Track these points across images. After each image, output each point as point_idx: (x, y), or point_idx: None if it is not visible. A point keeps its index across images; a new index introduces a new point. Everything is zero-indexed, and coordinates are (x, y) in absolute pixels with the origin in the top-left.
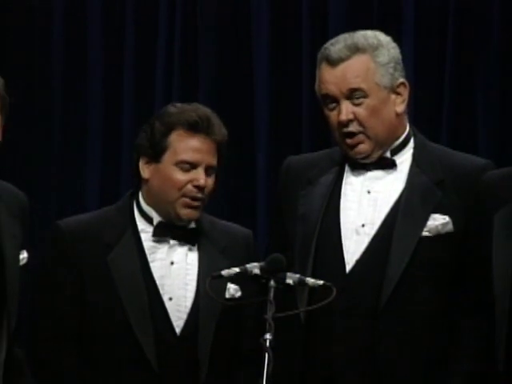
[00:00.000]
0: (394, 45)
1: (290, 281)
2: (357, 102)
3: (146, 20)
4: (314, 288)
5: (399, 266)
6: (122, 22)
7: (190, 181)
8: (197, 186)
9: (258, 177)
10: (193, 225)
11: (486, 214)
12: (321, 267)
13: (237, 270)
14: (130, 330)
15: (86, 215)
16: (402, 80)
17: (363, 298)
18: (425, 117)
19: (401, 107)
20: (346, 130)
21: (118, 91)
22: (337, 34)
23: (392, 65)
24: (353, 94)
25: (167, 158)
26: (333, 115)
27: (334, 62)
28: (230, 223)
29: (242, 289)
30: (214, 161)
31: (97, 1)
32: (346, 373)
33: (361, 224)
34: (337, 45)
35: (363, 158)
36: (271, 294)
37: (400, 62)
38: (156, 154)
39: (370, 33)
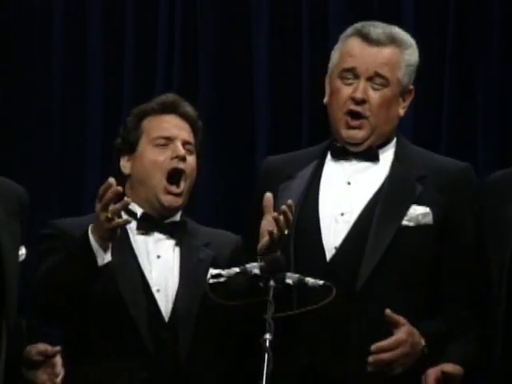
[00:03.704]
0: (417, 51)
1: (289, 281)
2: (376, 87)
3: (146, 20)
4: (312, 288)
5: (376, 252)
6: (122, 22)
7: (169, 156)
8: (176, 156)
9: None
10: (177, 218)
11: (483, 210)
12: (301, 256)
13: (237, 269)
14: (130, 318)
15: (76, 217)
16: (412, 87)
17: (344, 284)
18: (425, 117)
19: (402, 111)
20: (354, 108)
21: (118, 91)
22: (337, 33)
23: (413, 68)
24: (375, 78)
25: (143, 142)
26: (346, 89)
27: (371, 42)
28: (219, 230)
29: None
30: (189, 137)
31: (97, 1)
32: (326, 358)
33: (340, 213)
34: (377, 29)
35: (352, 145)
36: (271, 294)
37: (416, 68)
38: (132, 145)
39: (402, 31)
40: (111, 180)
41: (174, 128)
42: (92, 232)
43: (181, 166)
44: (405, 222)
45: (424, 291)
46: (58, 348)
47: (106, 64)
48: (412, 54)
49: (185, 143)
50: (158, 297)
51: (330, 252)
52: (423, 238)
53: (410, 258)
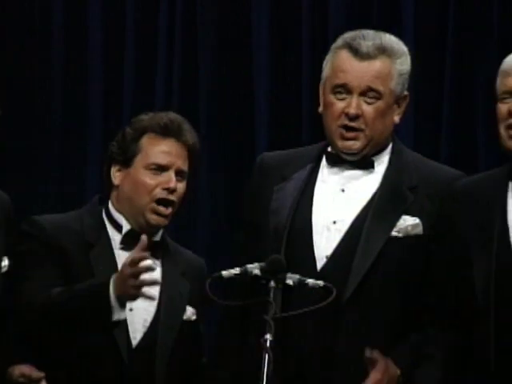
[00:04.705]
0: (410, 57)
1: (289, 281)
2: (369, 100)
3: (146, 20)
4: (312, 289)
5: (364, 264)
6: (122, 22)
7: (160, 184)
8: (167, 189)
9: None
10: (157, 238)
11: (462, 219)
12: (292, 263)
13: (237, 270)
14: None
15: (57, 215)
16: (406, 93)
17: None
18: (425, 117)
19: (398, 118)
20: (349, 123)
21: (118, 91)
22: (337, 34)
23: (406, 76)
24: (368, 93)
25: (138, 161)
26: (339, 105)
27: (361, 56)
28: (186, 250)
29: (197, 313)
30: (184, 165)
31: (97, 1)
32: (312, 368)
33: (332, 221)
34: (366, 41)
35: (348, 155)
36: (271, 295)
37: (410, 74)
38: (127, 158)
39: (394, 38)
40: (144, 255)
41: (170, 156)
42: (113, 288)
43: (170, 197)
44: (394, 233)
45: (414, 303)
46: (42, 374)
47: (106, 64)
48: (404, 63)
49: (178, 172)
50: (129, 317)
51: (320, 261)
52: (413, 249)
53: (399, 270)
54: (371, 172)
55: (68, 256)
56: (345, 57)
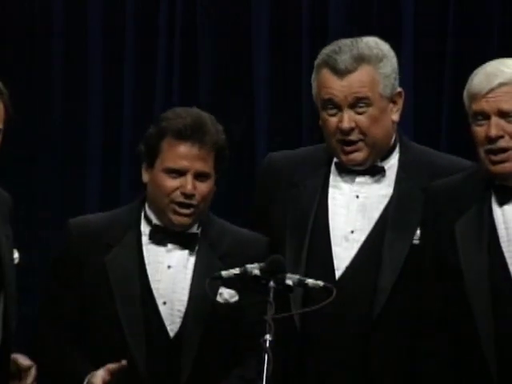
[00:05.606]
0: (393, 54)
1: (289, 282)
2: (360, 110)
3: (146, 20)
4: (312, 289)
5: (391, 275)
6: (122, 22)
7: (178, 187)
8: (184, 193)
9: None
10: (195, 230)
11: (444, 225)
12: (311, 273)
13: (236, 271)
14: (121, 331)
15: (97, 215)
16: (399, 89)
17: (354, 305)
18: (425, 117)
19: (396, 116)
20: (345, 137)
21: (118, 91)
22: (337, 33)
23: (394, 75)
24: (357, 103)
25: (158, 164)
26: (332, 121)
27: (341, 73)
28: (245, 231)
29: (239, 293)
30: (204, 167)
31: (97, 1)
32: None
33: (350, 230)
34: (342, 55)
35: (355, 166)
36: (271, 295)
37: (397, 71)
38: (150, 159)
39: (372, 42)
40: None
41: (187, 160)
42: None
43: (188, 201)
44: (415, 241)
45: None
46: (31, 363)
47: (105, 64)
48: (386, 65)
49: (197, 175)
50: (163, 310)
51: (339, 271)
52: None
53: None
54: (383, 176)
55: (85, 266)
56: (325, 74)
